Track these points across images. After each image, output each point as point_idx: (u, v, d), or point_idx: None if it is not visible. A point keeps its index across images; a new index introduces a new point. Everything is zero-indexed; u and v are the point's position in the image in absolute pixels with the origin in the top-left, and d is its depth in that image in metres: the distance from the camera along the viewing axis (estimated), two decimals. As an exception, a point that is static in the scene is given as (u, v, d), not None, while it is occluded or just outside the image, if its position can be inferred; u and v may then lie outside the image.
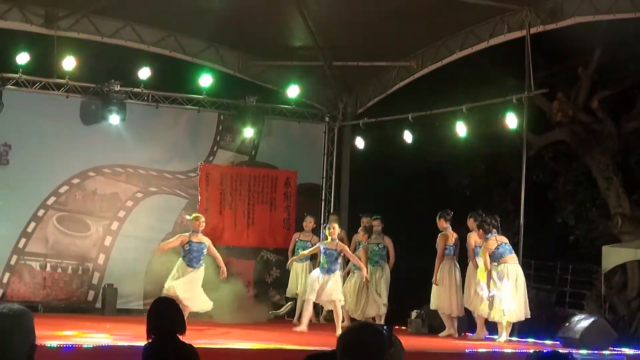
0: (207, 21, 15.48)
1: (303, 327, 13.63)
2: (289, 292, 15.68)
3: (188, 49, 16.45)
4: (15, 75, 15.19)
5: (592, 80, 18.41)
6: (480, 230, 13.13)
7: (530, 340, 13.69)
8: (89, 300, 15.80)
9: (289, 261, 14.92)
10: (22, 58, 15.05)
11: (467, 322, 14.07)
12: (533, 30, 14.28)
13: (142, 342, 5.82)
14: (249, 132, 16.91)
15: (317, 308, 15.35)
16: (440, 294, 13.93)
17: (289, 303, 15.71)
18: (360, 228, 15.08)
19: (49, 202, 15.57)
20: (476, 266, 13.50)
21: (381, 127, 17.15)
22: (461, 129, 15.52)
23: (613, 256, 16.71)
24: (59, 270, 15.59)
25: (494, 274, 12.94)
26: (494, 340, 13.10)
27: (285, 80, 17.18)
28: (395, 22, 15.15)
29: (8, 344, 3.18)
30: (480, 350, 11.97)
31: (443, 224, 14.04)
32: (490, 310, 12.98)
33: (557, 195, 19.95)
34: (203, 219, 13.69)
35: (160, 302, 6.14)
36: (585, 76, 18.29)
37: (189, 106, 16.66)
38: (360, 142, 17.20)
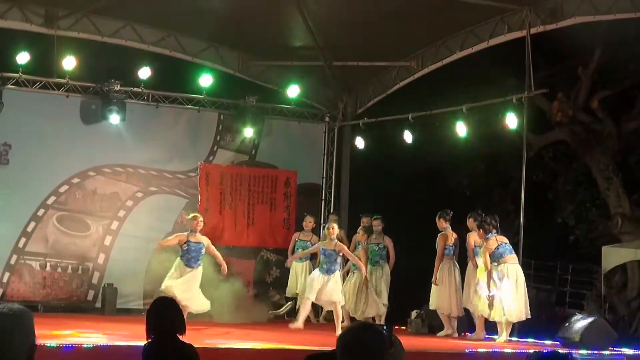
0: (207, 21, 15.48)
1: (298, 323, 13.64)
2: (289, 292, 15.68)
3: (188, 48, 16.45)
4: (16, 74, 15.19)
5: (592, 80, 18.40)
6: (481, 230, 13.13)
7: (530, 340, 13.69)
8: (88, 300, 15.80)
9: (288, 259, 14.94)
10: (22, 57, 15.05)
11: (467, 322, 14.07)
12: (533, 30, 14.28)
13: (142, 342, 5.82)
14: (249, 132, 16.91)
15: (317, 308, 15.36)
16: (440, 293, 13.94)
17: (289, 303, 15.71)
18: (359, 228, 15.08)
19: (49, 201, 15.57)
20: (476, 266, 13.51)
21: (381, 127, 17.15)
22: (461, 129, 15.52)
23: (613, 256, 16.71)
24: (59, 269, 15.59)
25: (494, 274, 12.94)
26: (493, 340, 13.10)
27: (285, 80, 17.19)
28: (395, 22, 15.15)
29: (8, 344, 3.18)
30: (480, 350, 11.97)
31: (443, 224, 14.04)
32: (490, 310, 12.98)
33: (557, 195, 19.95)
34: (201, 218, 13.70)
35: (160, 302, 6.13)
36: (585, 76, 18.29)
37: (189, 106, 16.67)
38: (360, 142, 17.20)
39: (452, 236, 14.06)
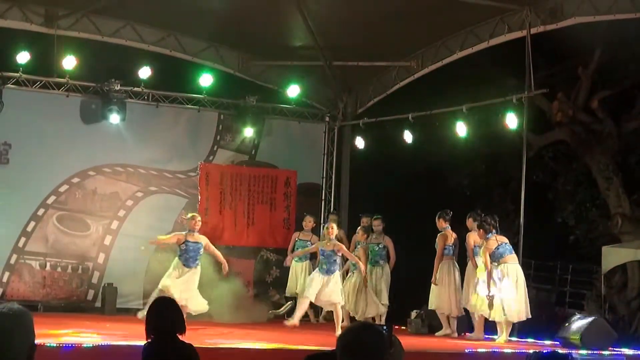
0: (207, 21, 15.49)
1: (294, 320, 13.63)
2: (288, 292, 15.67)
3: (188, 48, 16.45)
4: (16, 74, 15.19)
5: (592, 80, 18.41)
6: (481, 230, 13.13)
7: (530, 340, 13.68)
8: (88, 300, 15.80)
9: (287, 258, 14.93)
10: (22, 57, 15.06)
11: (466, 322, 14.07)
12: (533, 31, 14.28)
13: (142, 342, 5.81)
14: (249, 132, 16.92)
15: (317, 308, 15.35)
16: (440, 293, 13.95)
17: (289, 303, 15.70)
18: (359, 228, 15.06)
19: (49, 201, 15.58)
20: (475, 266, 13.51)
21: (381, 127, 17.15)
22: (461, 129, 15.52)
23: (613, 256, 16.70)
24: (59, 269, 15.59)
25: (494, 273, 12.93)
26: (493, 340, 13.10)
27: (285, 80, 17.19)
28: (395, 22, 15.15)
29: (8, 344, 3.18)
30: (480, 350, 11.97)
31: (442, 224, 14.05)
32: (490, 310, 12.98)
33: (557, 195, 19.95)
34: (199, 218, 13.70)
35: (160, 302, 6.14)
36: (585, 76, 18.29)
37: (189, 106, 16.67)
38: (360, 142, 17.20)
39: (452, 236, 14.07)
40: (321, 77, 17.34)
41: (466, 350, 11.83)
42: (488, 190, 19.76)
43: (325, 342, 10.89)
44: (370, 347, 3.55)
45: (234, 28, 15.87)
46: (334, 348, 3.64)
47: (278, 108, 17.42)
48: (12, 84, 15.23)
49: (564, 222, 19.81)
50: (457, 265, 14.15)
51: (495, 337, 13.14)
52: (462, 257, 14.08)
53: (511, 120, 14.61)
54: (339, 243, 13.55)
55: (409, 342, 10.20)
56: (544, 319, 16.49)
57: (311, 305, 14.20)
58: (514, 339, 13.35)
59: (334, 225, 13.70)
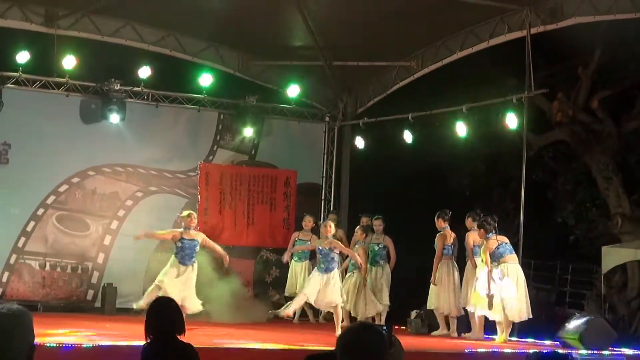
0: (207, 21, 15.49)
1: (289, 311, 13.58)
2: (288, 292, 15.66)
3: (188, 48, 16.45)
4: (15, 74, 15.19)
5: (592, 80, 18.40)
6: (481, 229, 13.12)
7: (530, 340, 13.68)
8: (88, 300, 15.80)
9: (285, 254, 14.89)
10: (22, 57, 15.06)
11: (467, 322, 14.06)
12: (533, 31, 14.27)
13: (142, 342, 5.81)
14: (248, 132, 16.92)
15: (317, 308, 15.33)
16: (439, 293, 13.95)
17: (289, 303, 15.67)
18: (357, 227, 15.01)
19: (49, 201, 15.57)
20: (475, 266, 13.50)
21: (381, 127, 17.15)
22: (461, 129, 15.52)
23: (613, 256, 16.70)
24: (59, 269, 15.59)
25: (494, 273, 12.93)
26: (493, 340, 13.09)
27: (285, 79, 17.19)
28: (395, 22, 15.14)
29: (7, 344, 3.18)
30: (479, 350, 11.96)
31: (441, 224, 14.05)
32: (490, 310, 12.97)
33: (557, 195, 19.95)
34: (195, 215, 13.67)
35: (160, 302, 6.13)
36: (585, 76, 18.29)
37: (189, 105, 16.67)
38: (360, 142, 17.20)
39: (451, 236, 14.07)
40: (321, 77, 17.34)
41: (466, 350, 11.82)
42: (488, 190, 19.76)
43: (325, 342, 10.91)
44: (370, 347, 3.54)
45: (234, 28, 15.87)
46: (334, 348, 3.63)
47: (278, 108, 17.42)
48: (11, 84, 15.23)
49: (563, 221, 19.81)
50: (456, 265, 14.15)
51: (495, 337, 13.13)
52: (462, 257, 14.08)
53: (511, 120, 14.61)
54: (334, 240, 13.45)
55: (409, 342, 10.21)
56: (543, 319, 16.48)
57: (311, 305, 14.17)
58: (513, 338, 13.34)
59: (331, 224, 13.63)
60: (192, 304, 13.11)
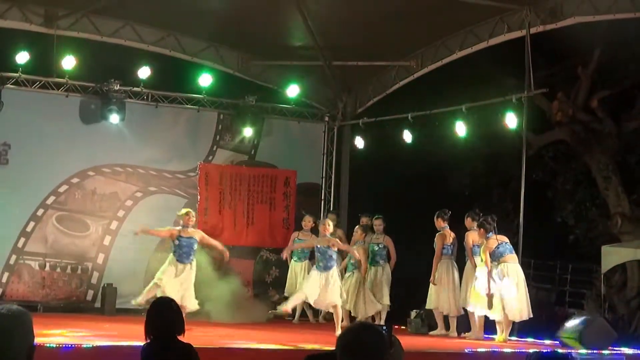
0: (207, 21, 15.49)
1: (287, 307, 13.58)
2: (288, 292, 15.63)
3: (188, 48, 16.45)
4: (15, 74, 15.19)
5: (592, 80, 18.41)
6: (482, 229, 13.12)
7: (530, 339, 13.68)
8: (88, 300, 15.80)
9: (285, 251, 14.86)
10: (22, 57, 15.05)
11: (466, 322, 14.06)
12: (533, 30, 14.28)
13: (141, 343, 5.80)
14: (248, 132, 16.92)
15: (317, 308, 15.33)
16: (439, 293, 13.94)
17: (286, 300, 15.67)
18: (356, 227, 14.98)
19: (49, 201, 15.57)
20: (474, 265, 13.50)
21: (381, 126, 17.15)
22: (461, 129, 15.52)
23: (613, 256, 16.70)
24: (58, 269, 15.59)
25: (494, 273, 12.93)
26: (493, 339, 13.09)
27: (285, 79, 17.19)
28: (395, 22, 15.15)
29: (7, 344, 3.18)
30: (479, 349, 11.96)
31: (441, 224, 14.05)
32: (490, 309, 12.97)
33: (556, 194, 19.96)
34: (193, 214, 13.66)
35: (160, 302, 6.13)
36: (585, 76, 18.30)
37: (188, 106, 16.67)
38: (360, 142, 17.20)
39: (450, 236, 14.07)
40: (321, 77, 17.34)
41: (466, 350, 11.82)
42: (488, 190, 19.77)
43: (325, 342, 10.91)
44: (370, 347, 3.54)
45: (233, 28, 15.87)
46: (334, 348, 3.63)
47: (277, 108, 17.43)
48: (11, 84, 15.23)
49: (563, 221, 19.82)
50: (456, 265, 14.15)
51: (494, 336, 13.13)
52: (461, 256, 14.08)
53: (511, 120, 14.61)
54: (332, 238, 13.42)
55: (409, 342, 10.21)
56: (543, 318, 16.49)
57: (311, 305, 14.16)
58: (513, 338, 13.34)
59: (330, 222, 13.58)
60: (190, 303, 13.11)
